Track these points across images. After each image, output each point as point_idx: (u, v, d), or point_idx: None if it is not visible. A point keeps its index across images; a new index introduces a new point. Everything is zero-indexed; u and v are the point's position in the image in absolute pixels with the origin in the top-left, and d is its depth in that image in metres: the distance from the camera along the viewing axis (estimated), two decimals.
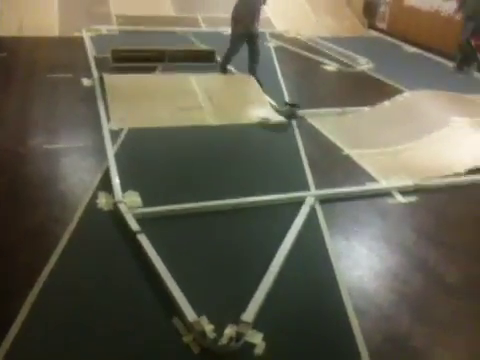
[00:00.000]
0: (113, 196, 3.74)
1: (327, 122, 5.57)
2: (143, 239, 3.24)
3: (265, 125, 5.48)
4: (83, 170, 4.26)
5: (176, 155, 4.67)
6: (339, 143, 5.06)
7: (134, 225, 3.38)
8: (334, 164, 4.72)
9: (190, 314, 2.64)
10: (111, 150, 4.52)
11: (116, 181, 3.95)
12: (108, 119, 5.21)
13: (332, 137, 5.21)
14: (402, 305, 2.89)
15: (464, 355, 2.58)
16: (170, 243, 3.32)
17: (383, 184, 4.28)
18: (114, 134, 4.86)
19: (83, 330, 2.61)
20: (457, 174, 4.50)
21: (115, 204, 3.65)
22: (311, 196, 3.99)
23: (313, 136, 5.28)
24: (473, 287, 3.09)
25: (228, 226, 3.62)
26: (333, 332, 2.70)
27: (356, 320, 2.74)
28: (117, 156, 4.39)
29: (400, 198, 4.10)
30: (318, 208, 3.88)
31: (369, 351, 2.53)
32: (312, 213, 3.80)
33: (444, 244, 3.50)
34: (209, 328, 2.59)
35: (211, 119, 5.54)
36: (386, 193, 4.17)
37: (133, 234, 3.29)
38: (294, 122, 5.56)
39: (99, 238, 3.37)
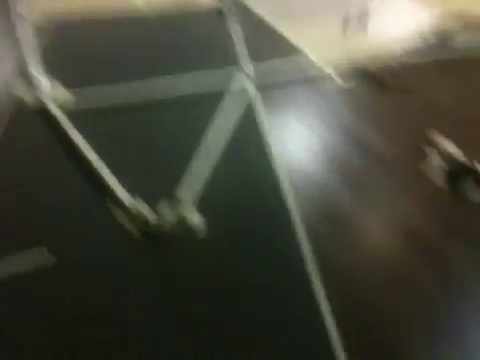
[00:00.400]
0: (38, 91, 3.50)
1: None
2: (74, 134, 3.09)
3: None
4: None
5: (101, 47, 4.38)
6: (276, 22, 4.86)
7: (64, 121, 3.20)
8: (270, 45, 4.56)
9: (126, 198, 2.60)
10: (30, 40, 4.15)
11: (41, 76, 3.67)
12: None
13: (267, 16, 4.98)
14: (340, 184, 2.98)
15: (391, 219, 2.73)
16: (102, 137, 3.17)
17: (322, 67, 4.23)
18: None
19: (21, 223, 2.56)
20: (393, 53, 4.49)
21: (41, 100, 3.43)
22: (247, 78, 3.89)
23: (245, 15, 5.04)
24: (401, 157, 3.20)
25: (161, 113, 3.51)
26: (272, 211, 2.76)
27: (295, 200, 2.80)
28: (43, 50, 4.05)
29: (339, 81, 4.08)
30: (254, 91, 3.81)
31: (307, 230, 2.61)
32: (248, 96, 3.73)
33: (379, 117, 3.58)
34: (148, 212, 2.56)
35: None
36: (325, 77, 4.13)
37: (63, 130, 3.13)
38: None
39: (28, 135, 3.20)
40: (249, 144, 3.28)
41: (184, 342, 2.03)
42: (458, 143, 3.17)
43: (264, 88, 3.88)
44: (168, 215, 2.55)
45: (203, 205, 2.68)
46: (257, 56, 4.28)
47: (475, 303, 2.21)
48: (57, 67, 3.79)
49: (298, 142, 3.35)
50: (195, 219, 2.58)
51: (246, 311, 2.17)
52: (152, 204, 2.60)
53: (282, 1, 5.46)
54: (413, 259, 2.42)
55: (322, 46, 4.50)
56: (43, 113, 3.33)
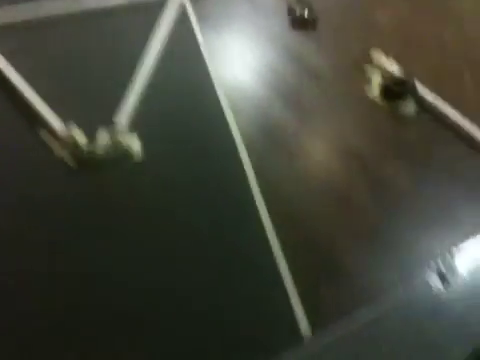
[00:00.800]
0: None
1: None
2: None
3: None
4: None
5: None
6: None
7: None
8: None
9: (58, 126, 2.49)
10: None
11: None
12: None
13: None
14: (275, 96, 2.96)
15: (328, 131, 2.78)
16: (24, 57, 2.94)
17: None
18: None
19: None
20: None
21: None
22: None
23: None
24: (338, 73, 3.19)
25: (88, 32, 3.26)
26: (210, 130, 2.72)
27: (231, 115, 2.77)
28: None
29: None
30: (188, 4, 3.60)
31: (246, 145, 2.62)
32: (182, 9, 3.53)
33: (316, 32, 3.51)
34: (81, 138, 2.46)
35: None
36: None
37: None
38: None
39: None
40: (184, 60, 3.15)
41: (122, 261, 2.05)
42: (400, 62, 3.20)
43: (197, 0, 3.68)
44: (103, 140, 2.46)
45: (139, 126, 2.60)
46: None
47: (409, 216, 2.35)
48: None
49: (235, 58, 3.26)
50: (130, 142, 2.52)
51: (184, 228, 2.20)
52: (86, 130, 2.50)
53: None
54: (351, 177, 2.51)
55: None
56: None
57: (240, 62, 3.23)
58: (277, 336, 1.81)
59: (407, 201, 2.40)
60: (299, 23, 3.51)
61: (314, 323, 1.83)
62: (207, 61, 3.12)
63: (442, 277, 1.40)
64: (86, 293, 1.94)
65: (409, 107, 2.94)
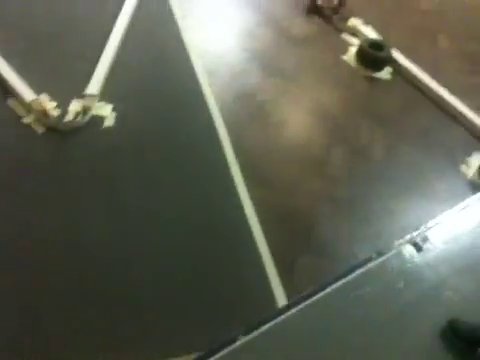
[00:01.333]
0: None
1: None
2: None
3: None
4: None
5: None
6: None
7: None
8: None
9: (27, 94, 2.40)
10: None
11: None
12: None
13: None
14: (251, 61, 2.90)
15: (305, 99, 2.75)
16: None
17: None
18: None
19: None
20: None
21: None
22: None
23: None
24: (312, 37, 3.15)
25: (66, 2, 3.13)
26: (183, 93, 2.64)
27: (206, 80, 2.71)
28: None
29: None
30: None
31: (219, 108, 2.57)
32: None
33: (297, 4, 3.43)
34: (51, 105, 2.39)
35: None
36: None
37: None
38: None
39: None
40: (155, 24, 3.05)
41: (90, 229, 2.01)
42: (376, 28, 3.16)
43: None
44: (73, 108, 2.39)
45: (111, 93, 2.53)
46: None
47: (385, 185, 2.35)
48: None
49: (210, 21, 3.16)
50: (101, 109, 2.45)
51: (155, 192, 2.16)
52: (59, 100, 2.42)
53: None
54: (327, 145, 2.49)
55: None
56: None
57: (214, 24, 3.14)
58: (253, 304, 1.82)
59: (383, 170, 2.40)
60: None
61: (289, 291, 1.86)
62: (179, 23, 3.04)
63: (417, 247, 1.42)
64: (50, 260, 1.90)
65: (385, 72, 2.93)
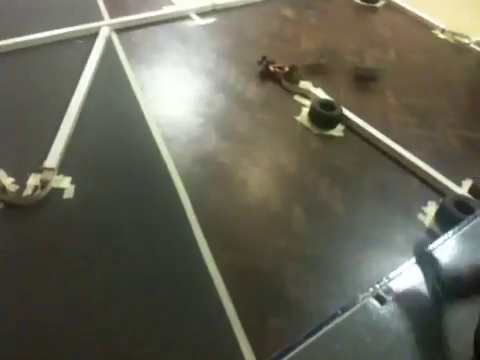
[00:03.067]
0: None
1: None
2: None
3: None
4: None
5: None
6: None
7: None
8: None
9: None
10: None
11: None
12: None
13: None
14: (208, 126, 2.97)
15: (263, 160, 2.82)
16: None
17: (180, 7, 4.09)
18: None
19: None
20: None
21: None
22: (106, 26, 3.65)
23: None
24: (267, 100, 3.28)
25: (16, 68, 3.17)
26: (143, 161, 2.68)
27: (165, 147, 2.75)
28: None
29: (199, 20, 3.99)
30: (115, 38, 3.60)
31: (180, 173, 2.60)
32: (109, 44, 3.52)
33: (243, 62, 3.58)
34: (9, 181, 2.37)
35: None
36: (184, 16, 4.01)
37: None
38: None
39: None
40: (113, 95, 3.12)
41: (52, 303, 1.96)
42: (325, 88, 3.34)
43: (124, 32, 3.68)
44: (31, 183, 2.37)
45: (69, 166, 2.53)
46: (118, 4, 4.03)
47: (347, 240, 2.40)
48: None
49: (166, 89, 3.26)
50: (60, 183, 2.43)
51: (118, 268, 2.12)
52: (16, 174, 2.41)
53: None
54: (288, 203, 2.53)
55: None
56: None
57: (170, 93, 3.23)
58: None
59: (345, 225, 2.45)
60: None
61: (259, 354, 1.82)
62: (137, 93, 3.11)
63: (380, 299, 1.44)
64: (16, 342, 1.82)
65: (338, 129, 3.05)
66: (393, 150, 2.90)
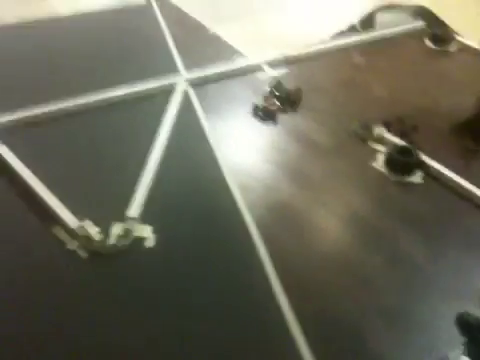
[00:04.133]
0: None
1: None
2: (3, 150, 2.93)
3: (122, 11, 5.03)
4: None
5: (22, 55, 4.16)
6: (204, 21, 4.84)
7: None
8: (202, 44, 4.54)
9: (71, 220, 2.51)
10: None
11: None
12: None
13: (197, 15, 4.96)
14: (281, 174, 2.99)
15: (339, 208, 2.78)
16: (34, 152, 3.04)
17: (252, 59, 4.24)
18: None
19: None
20: (323, 41, 4.58)
21: None
22: (182, 81, 3.84)
23: (176, 16, 4.98)
24: (341, 147, 3.26)
25: (95, 125, 3.39)
26: (219, 209, 2.73)
27: (240, 195, 2.79)
28: None
29: (270, 71, 4.10)
30: (191, 92, 3.77)
31: (255, 221, 2.61)
32: (185, 98, 3.69)
33: (315, 110, 3.62)
34: (94, 231, 2.49)
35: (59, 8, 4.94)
36: (256, 68, 4.14)
37: None
38: (154, 4, 5.16)
39: None
40: (191, 147, 3.24)
41: (138, 350, 1.99)
42: (396, 130, 3.28)
43: (200, 85, 3.85)
44: (115, 231, 2.48)
45: (150, 215, 2.62)
46: (193, 58, 4.24)
47: (429, 293, 2.28)
48: None
49: (239, 140, 3.34)
50: (141, 232, 2.53)
51: (198, 314, 2.14)
52: (99, 224, 2.52)
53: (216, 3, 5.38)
54: (365, 253, 2.47)
55: (258, 43, 4.50)
56: None
57: (244, 142, 3.31)
58: None
59: (426, 276, 2.34)
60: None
61: None
62: (212, 144, 3.21)
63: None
64: None
65: (417, 176, 2.96)
66: (478, 197, 2.77)
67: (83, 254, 2.41)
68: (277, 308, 2.16)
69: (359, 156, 3.16)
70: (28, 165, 2.86)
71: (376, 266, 2.39)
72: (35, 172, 2.81)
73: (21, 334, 2.05)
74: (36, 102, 3.34)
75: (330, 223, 2.67)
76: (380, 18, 4.85)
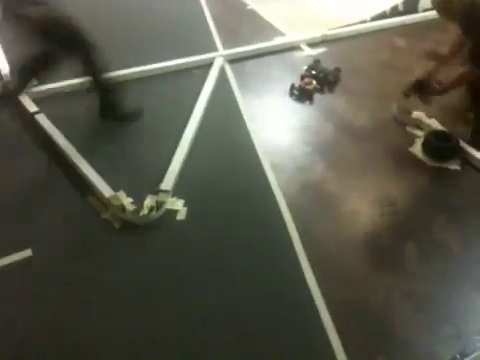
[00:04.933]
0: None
1: None
2: (42, 118, 3.00)
3: None
4: None
5: None
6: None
7: (30, 106, 3.11)
8: (240, 21, 4.52)
9: (106, 190, 2.56)
10: None
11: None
12: None
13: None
14: (315, 155, 2.97)
15: (372, 192, 2.74)
16: (72, 121, 3.11)
17: (291, 38, 4.18)
18: None
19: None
20: (362, 21, 4.47)
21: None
22: (220, 56, 3.83)
23: None
24: (377, 130, 3.20)
25: (136, 96, 3.42)
26: (251, 187, 2.73)
27: (273, 174, 2.78)
28: None
29: (308, 51, 4.04)
30: (228, 68, 3.76)
31: (287, 201, 2.61)
32: (222, 74, 3.68)
33: (352, 91, 3.56)
34: (127, 201, 2.53)
35: None
36: (294, 47, 4.09)
37: (31, 115, 3.04)
38: None
39: None
40: (225, 123, 3.24)
41: (169, 319, 2.03)
42: (433, 113, 3.19)
43: (237, 62, 3.83)
44: (148, 204, 2.51)
45: (183, 189, 2.65)
46: (231, 35, 4.22)
47: (462, 281, 2.24)
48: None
49: (273, 116, 3.32)
50: (174, 204, 2.56)
51: (228, 287, 2.17)
52: (134, 196, 2.57)
53: None
54: (399, 239, 2.43)
55: (297, 22, 4.44)
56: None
57: (279, 121, 3.29)
58: None
59: (459, 264, 2.29)
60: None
61: None
62: (247, 122, 3.20)
63: None
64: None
65: (454, 162, 2.89)
66: None
67: (116, 224, 2.46)
68: (305, 287, 2.16)
69: (396, 140, 3.10)
70: (66, 134, 2.92)
71: (408, 252, 2.35)
72: (72, 141, 2.87)
73: (53, 291, 2.14)
74: (76, 73, 3.39)
75: (362, 206, 2.64)
76: (424, 2, 4.69)
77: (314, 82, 3.53)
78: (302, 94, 3.47)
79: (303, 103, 3.43)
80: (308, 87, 3.49)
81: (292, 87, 3.51)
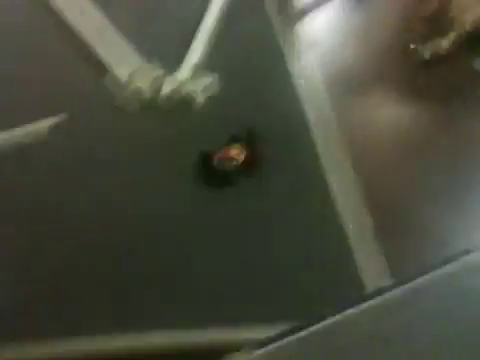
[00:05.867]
0: None
1: None
2: None
3: None
4: None
5: None
6: None
7: None
8: None
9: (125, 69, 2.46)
10: None
11: None
12: None
13: None
14: (344, 44, 2.72)
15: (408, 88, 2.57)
16: None
17: None
18: None
19: None
20: None
21: None
22: None
23: None
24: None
25: None
26: (274, 76, 2.55)
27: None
28: None
29: None
30: None
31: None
32: None
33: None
34: (147, 83, 2.42)
35: None
36: None
37: None
38: None
39: None
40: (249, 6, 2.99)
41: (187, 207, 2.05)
42: None
43: None
44: (167, 85, 2.42)
45: (206, 69, 2.53)
46: None
47: None
48: None
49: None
50: (195, 86, 2.43)
51: None
52: (151, 76, 2.44)
53: None
54: (430, 132, 2.33)
55: None
56: None
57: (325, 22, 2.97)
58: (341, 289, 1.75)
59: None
60: None
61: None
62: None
63: None
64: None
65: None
66: None
67: (134, 106, 2.39)
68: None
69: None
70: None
71: (440, 146, 2.25)
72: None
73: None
74: None
75: (394, 97, 2.50)
76: None
77: None
78: None
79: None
80: None
81: None
